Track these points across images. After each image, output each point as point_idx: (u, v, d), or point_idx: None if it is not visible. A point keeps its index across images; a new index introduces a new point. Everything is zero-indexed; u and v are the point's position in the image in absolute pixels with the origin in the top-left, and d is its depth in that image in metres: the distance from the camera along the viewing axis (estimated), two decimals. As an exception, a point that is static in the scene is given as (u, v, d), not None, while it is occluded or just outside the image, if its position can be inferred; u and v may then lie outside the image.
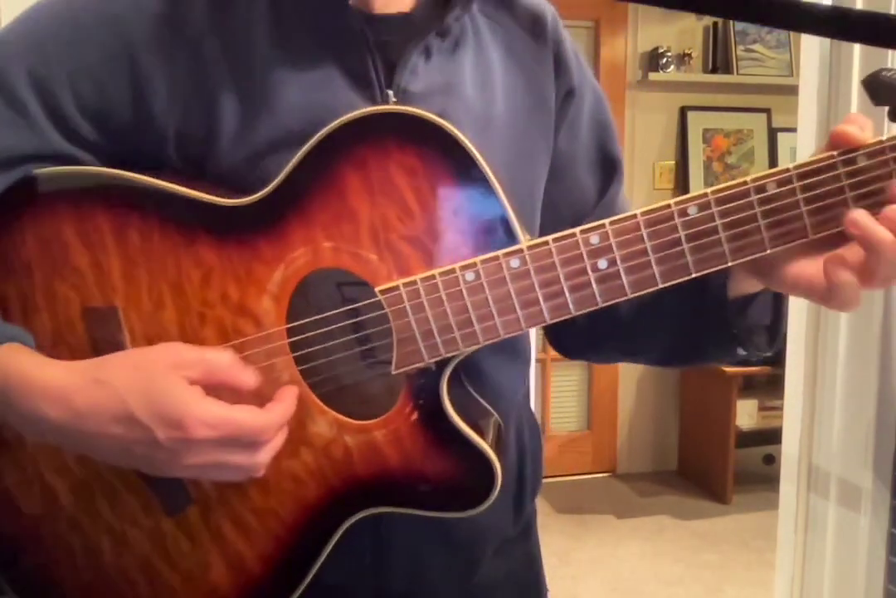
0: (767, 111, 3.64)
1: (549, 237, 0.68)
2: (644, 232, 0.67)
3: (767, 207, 0.66)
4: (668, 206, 0.66)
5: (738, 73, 3.59)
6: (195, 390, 0.65)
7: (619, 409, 3.76)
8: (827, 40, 1.62)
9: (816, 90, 1.65)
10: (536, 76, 0.84)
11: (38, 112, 0.71)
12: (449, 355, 0.70)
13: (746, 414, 3.44)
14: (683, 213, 0.66)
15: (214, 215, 0.71)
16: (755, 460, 3.57)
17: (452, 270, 0.68)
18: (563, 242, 0.68)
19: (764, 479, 3.34)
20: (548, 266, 0.68)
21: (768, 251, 0.66)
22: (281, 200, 0.70)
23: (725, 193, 0.66)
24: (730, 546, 3.02)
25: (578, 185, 0.89)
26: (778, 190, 0.65)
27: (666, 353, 0.86)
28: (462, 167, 0.68)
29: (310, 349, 0.71)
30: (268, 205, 0.70)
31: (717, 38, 3.62)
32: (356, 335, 0.72)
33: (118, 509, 0.75)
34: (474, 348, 0.70)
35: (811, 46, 1.67)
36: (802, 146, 1.71)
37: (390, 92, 0.76)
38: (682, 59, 3.58)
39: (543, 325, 0.70)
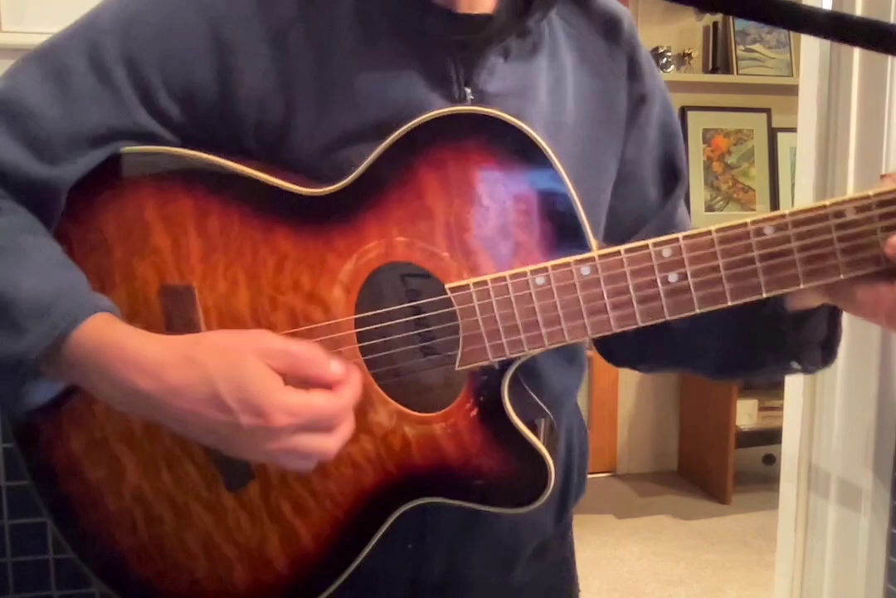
0: (767, 111, 3.64)
1: (622, 247, 0.68)
2: (718, 249, 0.67)
3: (844, 232, 0.65)
4: (745, 224, 0.66)
5: (738, 73, 3.59)
6: (277, 379, 0.65)
7: (619, 409, 3.75)
8: (827, 40, 1.62)
9: (816, 90, 1.65)
10: (608, 82, 0.84)
11: (129, 91, 0.73)
12: (513, 356, 0.71)
13: (746, 414, 3.44)
14: (759, 232, 0.66)
15: (292, 204, 0.72)
16: (755, 460, 3.57)
17: (523, 273, 0.69)
18: (635, 253, 0.68)
19: (764, 479, 3.34)
20: (618, 276, 0.68)
21: (841, 277, 0.66)
22: (358, 193, 0.71)
23: (803, 215, 0.66)
24: (730, 546, 3.02)
25: (641, 192, 0.89)
26: (856, 216, 0.65)
27: (718, 364, 0.85)
28: (540, 173, 0.69)
29: (376, 341, 0.73)
30: (345, 197, 0.71)
31: (717, 38, 3.62)
32: (423, 330, 0.73)
33: (181, 480, 0.77)
34: (539, 350, 0.71)
35: (811, 46, 1.67)
36: (802, 146, 1.71)
37: (468, 90, 0.76)
38: (682, 59, 3.57)
39: (609, 334, 0.70)
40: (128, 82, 0.72)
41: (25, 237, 0.70)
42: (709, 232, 0.67)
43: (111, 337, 0.67)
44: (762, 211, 3.56)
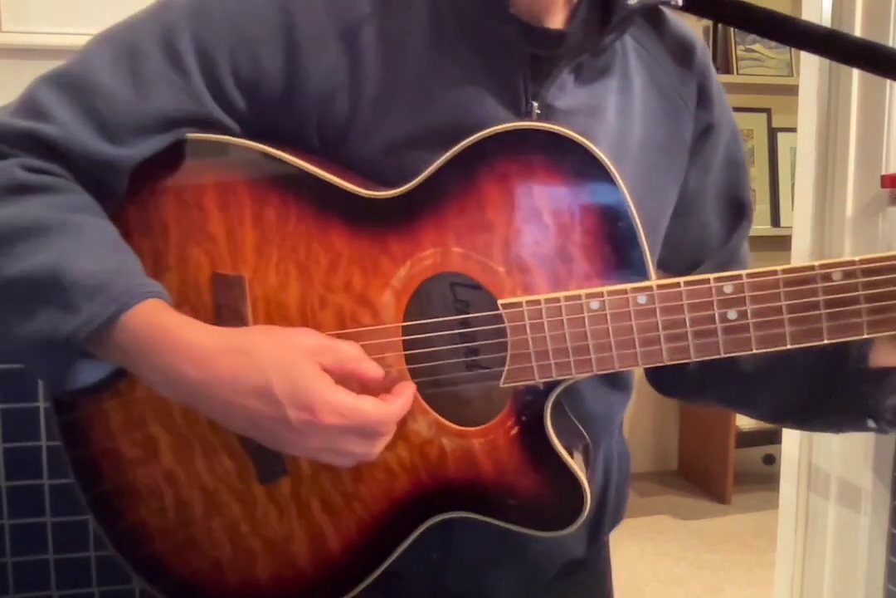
0: (767, 111, 3.64)
1: (682, 279, 0.67)
2: (782, 290, 0.66)
3: None
4: (812, 267, 0.65)
5: (738, 73, 3.59)
6: (328, 378, 0.66)
7: (619, 409, 3.75)
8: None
9: (816, 90, 1.65)
10: (676, 108, 0.83)
11: (198, 77, 0.72)
12: (560, 378, 0.70)
13: (746, 414, 3.44)
14: (827, 277, 0.65)
15: (352, 204, 0.72)
16: (755, 460, 3.57)
17: (578, 296, 0.68)
18: (695, 286, 0.67)
19: (764, 479, 3.34)
20: (675, 308, 0.67)
21: None
22: (419, 200, 0.71)
23: (874, 264, 0.65)
24: (730, 546, 3.02)
25: (703, 224, 0.87)
26: None
27: (784, 411, 0.83)
28: (605, 195, 0.68)
29: (422, 350, 0.72)
30: (405, 202, 0.71)
31: (717, 38, 3.62)
32: (470, 343, 0.72)
33: (215, 468, 0.77)
34: (587, 375, 0.70)
35: (811, 46, 1.67)
36: (802, 146, 1.71)
37: (535, 103, 0.75)
38: (682, 59, 3.57)
39: (660, 364, 0.69)
40: (197, 69, 0.72)
41: (83, 217, 0.70)
42: (774, 272, 0.66)
43: (161, 323, 0.67)
44: (762, 211, 3.56)
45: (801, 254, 1.72)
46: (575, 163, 0.68)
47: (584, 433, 0.77)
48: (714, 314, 0.67)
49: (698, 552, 2.98)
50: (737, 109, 3.39)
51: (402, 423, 0.72)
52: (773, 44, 3.62)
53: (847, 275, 0.65)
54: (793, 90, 1.84)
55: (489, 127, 0.69)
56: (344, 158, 0.74)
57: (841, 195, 1.64)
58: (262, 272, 0.74)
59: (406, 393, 0.71)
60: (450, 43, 0.74)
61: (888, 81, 1.54)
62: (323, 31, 0.73)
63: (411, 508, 0.75)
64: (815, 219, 1.69)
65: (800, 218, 1.73)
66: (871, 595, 1.61)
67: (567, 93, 0.76)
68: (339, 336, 0.72)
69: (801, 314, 0.66)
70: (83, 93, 0.71)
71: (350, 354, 0.68)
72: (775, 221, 3.55)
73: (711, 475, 3.47)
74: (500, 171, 0.69)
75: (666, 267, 0.83)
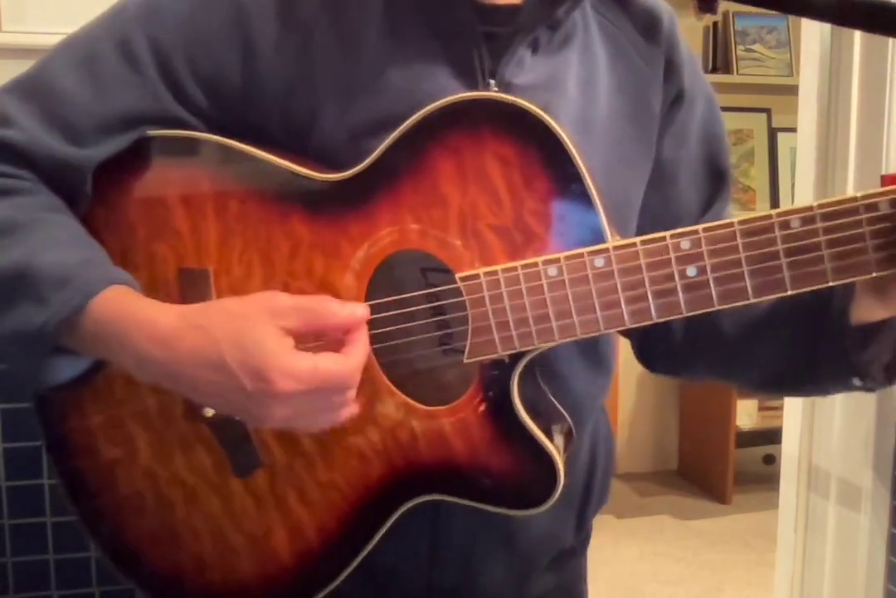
0: (767, 111, 3.64)
1: (638, 239, 0.66)
2: (740, 242, 0.64)
3: (877, 226, 0.62)
4: (770, 216, 0.64)
5: (738, 74, 3.59)
6: (285, 342, 0.64)
7: (619, 409, 3.75)
8: (827, 40, 1.62)
9: (816, 90, 1.65)
10: (643, 79, 0.82)
11: (156, 76, 0.73)
12: (523, 349, 0.69)
13: (746, 414, 3.44)
14: (785, 225, 0.63)
15: (309, 189, 0.72)
16: (755, 460, 3.57)
17: (535, 264, 0.67)
18: (652, 245, 0.66)
19: (764, 479, 3.34)
20: (633, 269, 0.66)
21: (874, 275, 0.63)
22: (373, 179, 0.71)
23: (833, 208, 0.62)
24: (730, 546, 3.02)
25: (682, 195, 0.86)
26: (891, 211, 0.62)
27: (771, 377, 0.82)
28: (557, 162, 0.67)
29: (385, 329, 0.72)
30: (360, 183, 0.71)
31: (717, 38, 3.62)
32: (432, 320, 0.72)
33: (192, 464, 0.77)
34: (550, 344, 0.69)
35: (811, 46, 1.67)
36: (802, 146, 1.71)
37: (492, 81, 0.75)
38: (682, 59, 3.57)
39: (624, 329, 0.68)
40: (154, 68, 0.73)
41: (49, 215, 0.72)
42: (731, 224, 0.64)
43: (127, 307, 0.68)
44: (762, 211, 3.57)
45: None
46: (526, 131, 0.67)
47: (565, 415, 0.77)
48: (673, 272, 0.65)
49: (698, 552, 2.98)
50: (737, 109, 3.41)
51: (371, 406, 0.72)
52: (773, 43, 3.62)
53: (805, 221, 0.63)
54: (793, 90, 1.84)
55: None
56: (311, 149, 0.75)
57: (841, 195, 1.64)
58: (226, 264, 0.74)
59: (359, 338, 0.68)
60: (405, 28, 0.75)
61: (888, 81, 1.54)
62: (278, 25, 0.74)
63: (386, 493, 0.75)
64: (815, 219, 1.69)
65: (800, 218, 1.73)
66: (871, 595, 1.61)
67: (525, 69, 0.77)
68: None
69: (760, 265, 0.64)
70: (45, 98, 0.73)
71: (314, 309, 0.66)
72: (775, 221, 3.55)
73: (711, 475, 3.47)
74: (450, 144, 0.69)
75: None
